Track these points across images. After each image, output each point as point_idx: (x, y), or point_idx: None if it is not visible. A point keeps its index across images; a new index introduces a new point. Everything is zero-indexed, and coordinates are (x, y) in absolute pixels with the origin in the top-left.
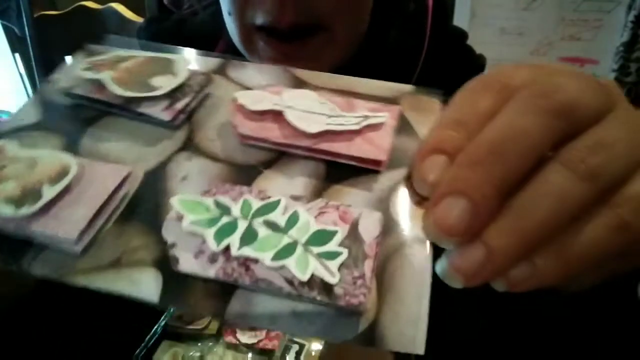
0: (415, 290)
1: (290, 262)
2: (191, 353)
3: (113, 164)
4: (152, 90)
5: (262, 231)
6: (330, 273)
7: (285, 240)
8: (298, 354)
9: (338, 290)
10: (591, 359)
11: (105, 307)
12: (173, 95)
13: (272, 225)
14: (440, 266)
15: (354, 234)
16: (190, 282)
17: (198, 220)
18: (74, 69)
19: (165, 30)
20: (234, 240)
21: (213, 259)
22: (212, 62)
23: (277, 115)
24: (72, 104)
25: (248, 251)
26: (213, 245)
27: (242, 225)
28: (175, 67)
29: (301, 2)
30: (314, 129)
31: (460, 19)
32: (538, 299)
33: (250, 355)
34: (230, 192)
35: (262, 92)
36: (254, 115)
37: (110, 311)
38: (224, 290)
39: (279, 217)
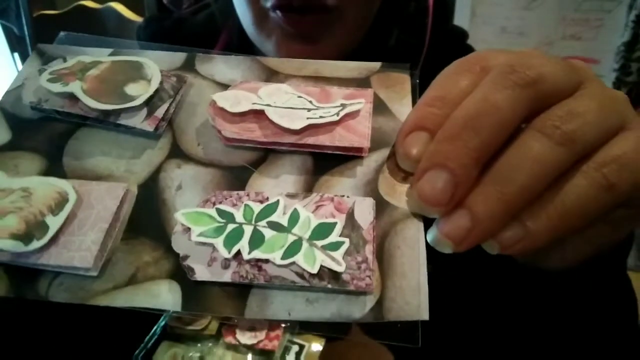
0: (413, 263)
1: (299, 258)
2: (191, 354)
3: (108, 183)
4: (129, 100)
5: (268, 233)
6: (336, 262)
7: (291, 238)
8: (298, 354)
9: (345, 277)
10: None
11: (105, 307)
12: (150, 102)
13: (275, 226)
14: (431, 235)
15: (351, 223)
16: (207, 288)
17: (205, 231)
18: (36, 78)
19: (165, 29)
20: (243, 245)
21: (226, 265)
22: (179, 57)
23: (258, 115)
24: (41, 117)
25: (258, 254)
26: (225, 253)
27: (248, 230)
28: (146, 71)
29: None
30: (297, 125)
31: (460, 19)
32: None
33: (250, 355)
34: (229, 198)
35: (239, 92)
36: (234, 117)
37: (110, 311)
38: (239, 291)
39: (280, 217)
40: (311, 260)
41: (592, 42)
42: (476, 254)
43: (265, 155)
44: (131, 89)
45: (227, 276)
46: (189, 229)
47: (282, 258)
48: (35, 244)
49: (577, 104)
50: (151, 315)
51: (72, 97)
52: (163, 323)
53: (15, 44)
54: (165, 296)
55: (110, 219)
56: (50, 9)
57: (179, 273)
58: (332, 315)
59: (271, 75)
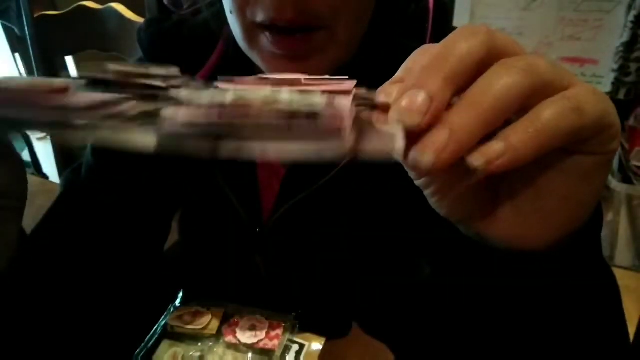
0: (390, 132)
1: (282, 98)
2: (191, 353)
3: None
4: (148, 74)
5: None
6: (315, 104)
7: (277, 96)
8: (298, 353)
9: (323, 114)
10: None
11: (105, 307)
12: (166, 77)
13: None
14: (412, 154)
15: (330, 104)
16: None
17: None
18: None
19: (165, 31)
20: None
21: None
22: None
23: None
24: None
25: (239, 95)
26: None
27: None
28: (151, 70)
29: (301, 1)
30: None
31: (460, 19)
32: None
33: (250, 354)
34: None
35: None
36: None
37: (110, 312)
38: (216, 136)
39: (284, 96)
40: (292, 102)
41: (591, 43)
42: (469, 256)
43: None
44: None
45: (204, 117)
46: None
47: (266, 97)
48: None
49: (528, 57)
50: (152, 315)
51: (106, 72)
52: (164, 322)
53: (17, 45)
54: (141, 137)
55: (96, 101)
56: (51, 9)
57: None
58: (308, 152)
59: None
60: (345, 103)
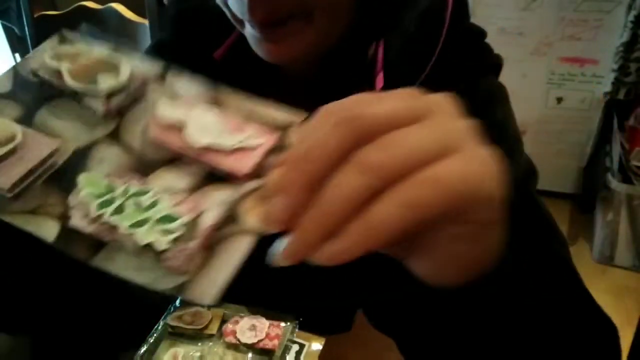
0: (229, 266)
1: (138, 232)
2: (191, 353)
3: (49, 137)
4: (93, 85)
5: (130, 208)
6: (163, 243)
7: (142, 216)
8: (298, 353)
9: (166, 255)
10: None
11: (105, 307)
12: (110, 93)
13: (138, 205)
14: (271, 251)
15: (194, 221)
16: (76, 234)
17: (90, 193)
18: (44, 53)
19: (190, 9)
20: (108, 211)
21: (93, 221)
22: (157, 66)
23: (178, 128)
24: (37, 82)
25: (115, 219)
26: (94, 212)
27: (117, 202)
28: (121, 69)
29: (269, 3)
30: (198, 142)
31: None
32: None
33: (250, 355)
34: (123, 178)
35: (177, 104)
36: (164, 124)
37: (110, 312)
38: (97, 244)
39: (145, 200)
40: (146, 236)
41: (591, 43)
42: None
43: (178, 158)
44: (102, 78)
45: (90, 229)
46: (83, 189)
47: (128, 228)
48: None
49: (395, 137)
50: (152, 315)
51: (59, 73)
52: (164, 322)
53: (17, 45)
54: (46, 229)
55: (37, 162)
56: (51, 9)
57: (65, 218)
58: (150, 282)
59: (214, 102)
60: (204, 229)
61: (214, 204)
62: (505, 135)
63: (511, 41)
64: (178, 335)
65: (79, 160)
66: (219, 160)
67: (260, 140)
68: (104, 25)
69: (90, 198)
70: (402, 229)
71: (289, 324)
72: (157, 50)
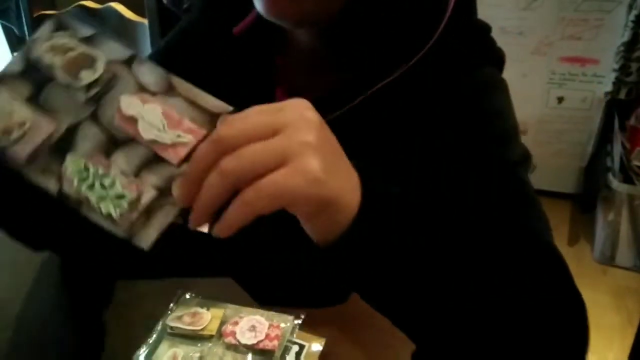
0: (160, 225)
1: (102, 205)
2: (191, 354)
3: (49, 119)
4: (78, 81)
5: (97, 186)
6: (117, 213)
7: (105, 193)
8: (298, 354)
9: (118, 220)
10: None
11: (104, 308)
12: (89, 86)
13: (102, 185)
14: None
15: (137, 198)
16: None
17: (73, 170)
18: (42, 43)
19: None
20: (83, 185)
21: (76, 192)
22: (126, 53)
23: (134, 120)
24: (39, 67)
25: (88, 194)
26: (75, 185)
27: (90, 181)
28: (96, 64)
29: None
30: (146, 136)
31: None
32: None
33: (250, 355)
34: (95, 159)
35: (135, 101)
36: (125, 116)
37: (110, 311)
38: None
39: (107, 182)
40: (107, 208)
41: (592, 42)
42: None
43: (131, 140)
44: (83, 73)
45: (74, 195)
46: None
47: (95, 201)
48: (5, 142)
49: (248, 149)
50: (152, 315)
51: (53, 68)
52: (163, 322)
53: (16, 44)
54: (51, 185)
55: (41, 141)
56: (50, 9)
57: (61, 181)
58: (112, 230)
59: (170, 90)
60: (146, 200)
61: (151, 186)
62: (502, 123)
63: (512, 41)
64: (177, 336)
65: (70, 135)
66: (161, 150)
67: (191, 136)
68: (104, 25)
69: (73, 175)
70: (245, 218)
71: (288, 324)
72: (186, 29)
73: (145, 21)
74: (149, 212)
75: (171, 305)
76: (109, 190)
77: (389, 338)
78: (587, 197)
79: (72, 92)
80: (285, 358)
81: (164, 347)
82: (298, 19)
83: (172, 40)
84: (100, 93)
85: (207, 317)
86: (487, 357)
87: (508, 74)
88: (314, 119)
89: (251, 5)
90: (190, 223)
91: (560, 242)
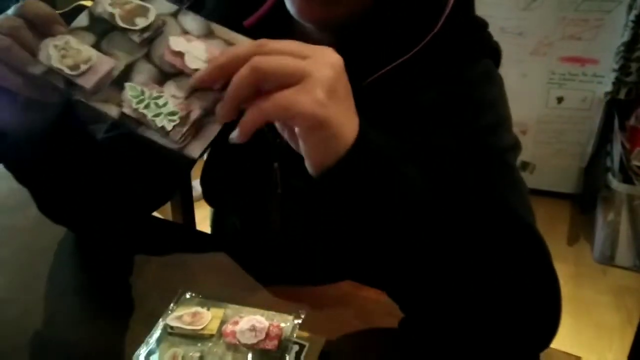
0: (207, 138)
1: (157, 119)
2: (191, 354)
3: (110, 58)
4: (134, 26)
5: (152, 105)
6: (169, 126)
7: (159, 111)
8: (298, 354)
9: (171, 133)
10: None
11: (104, 308)
12: (142, 30)
13: (156, 105)
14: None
15: (187, 115)
16: (128, 117)
17: (131, 95)
18: (104, 1)
19: None
20: (140, 106)
21: (134, 111)
22: (173, 7)
23: (181, 54)
24: (102, 20)
25: (144, 111)
26: (134, 105)
27: (146, 102)
28: (149, 13)
29: None
30: (192, 66)
31: None
32: None
33: (250, 355)
34: (149, 86)
35: (182, 40)
36: (173, 51)
37: (108, 312)
38: (139, 123)
39: (160, 102)
40: (161, 122)
41: (592, 42)
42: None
43: (181, 73)
44: (138, 20)
45: (133, 114)
46: (127, 90)
47: (151, 117)
48: (76, 72)
49: (278, 57)
50: (152, 314)
51: (113, 17)
52: (163, 322)
53: None
54: (112, 111)
55: (104, 73)
56: None
57: (121, 106)
58: (165, 143)
59: (210, 34)
60: (194, 116)
61: (198, 107)
62: (495, 112)
63: (511, 41)
64: (178, 335)
65: (127, 71)
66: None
67: None
68: None
69: (131, 98)
70: (256, 123)
71: (289, 324)
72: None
73: None
74: (197, 127)
75: (171, 305)
76: (162, 109)
77: (389, 338)
78: (587, 197)
79: (128, 36)
80: (285, 358)
81: (164, 346)
82: (328, 22)
83: None
84: (152, 37)
85: (208, 317)
86: (464, 321)
87: (508, 74)
88: (338, 62)
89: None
90: (218, 116)
91: (560, 242)
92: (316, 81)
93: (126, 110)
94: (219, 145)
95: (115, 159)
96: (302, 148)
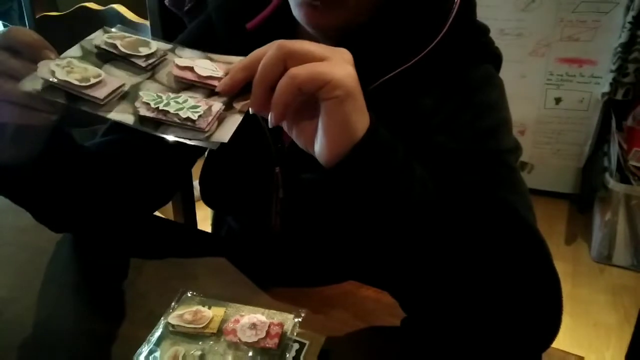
0: (230, 127)
1: (180, 112)
2: (192, 352)
3: (118, 79)
4: (138, 52)
5: (172, 103)
6: (195, 116)
7: (180, 106)
8: (298, 352)
9: (197, 122)
10: None
11: (105, 307)
12: (147, 56)
13: (177, 102)
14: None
15: (209, 108)
16: (146, 119)
17: (148, 98)
18: (100, 37)
19: None
20: (160, 105)
21: (152, 111)
22: (169, 45)
23: (190, 68)
24: (99, 51)
25: (165, 108)
26: (152, 106)
27: (165, 101)
28: (150, 45)
29: None
30: (203, 73)
31: None
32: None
33: (250, 353)
34: (163, 93)
35: (187, 59)
36: (181, 67)
37: (109, 311)
38: (157, 124)
39: (180, 100)
40: (185, 113)
41: (590, 43)
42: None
43: (191, 86)
44: (141, 49)
45: (152, 115)
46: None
47: (174, 110)
48: (86, 83)
49: (306, 52)
50: (152, 314)
51: (115, 46)
52: (164, 322)
53: None
54: (127, 118)
55: (114, 88)
56: (52, 10)
57: (136, 113)
58: (190, 137)
59: (208, 59)
60: (216, 109)
61: (217, 102)
62: (495, 115)
63: (510, 42)
64: (179, 334)
65: (135, 90)
66: (217, 83)
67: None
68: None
69: (149, 101)
70: (294, 91)
71: (289, 322)
72: (203, 21)
73: (147, 23)
74: (220, 119)
75: (173, 303)
76: (184, 104)
77: (389, 338)
78: (585, 197)
79: (132, 62)
80: (285, 356)
81: (165, 345)
82: (333, 28)
83: (191, 32)
84: (156, 63)
85: (209, 316)
86: (465, 320)
87: (506, 75)
88: (352, 61)
89: (266, 2)
90: (272, 121)
91: (558, 241)
92: (343, 60)
93: (145, 113)
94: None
95: (113, 162)
96: (321, 130)
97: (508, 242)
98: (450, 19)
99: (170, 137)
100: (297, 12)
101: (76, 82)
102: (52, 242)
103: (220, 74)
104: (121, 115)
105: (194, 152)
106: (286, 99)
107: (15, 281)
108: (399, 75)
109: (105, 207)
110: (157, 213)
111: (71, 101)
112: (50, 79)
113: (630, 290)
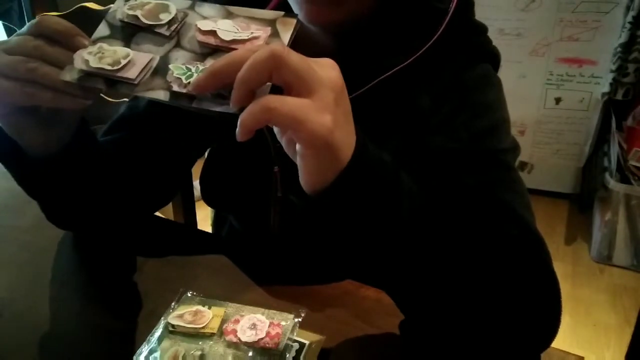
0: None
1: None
2: (192, 352)
3: (146, 54)
4: (159, 21)
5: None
6: (225, 91)
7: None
8: (298, 352)
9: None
10: None
11: (106, 307)
12: (169, 22)
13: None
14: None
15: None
16: (180, 95)
17: (178, 72)
18: (122, 7)
19: None
20: (192, 77)
21: (184, 86)
22: (187, 2)
23: (213, 32)
24: (123, 25)
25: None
26: (184, 81)
27: (195, 74)
28: (170, 8)
29: None
30: (227, 37)
31: None
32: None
33: (250, 353)
34: (192, 64)
35: (209, 21)
36: (204, 31)
37: (110, 311)
38: (191, 98)
39: (194, 69)
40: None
41: (590, 44)
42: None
43: (215, 51)
44: (162, 15)
45: (184, 90)
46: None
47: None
48: (117, 67)
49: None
50: (152, 314)
51: (137, 17)
52: (164, 321)
53: None
54: (160, 95)
55: (144, 64)
56: (52, 10)
57: (169, 89)
58: (220, 109)
59: (228, 15)
60: None
61: None
62: (493, 114)
63: (510, 42)
64: (179, 334)
65: (164, 62)
66: (241, 45)
67: (261, 32)
68: None
69: (179, 75)
70: (259, 119)
71: (289, 322)
72: None
73: None
74: None
75: (173, 303)
76: None
77: (388, 337)
78: (585, 197)
79: (156, 32)
80: (285, 356)
81: (165, 345)
82: (333, 25)
83: None
84: (178, 28)
85: (209, 316)
86: (464, 322)
87: (506, 75)
88: (339, 77)
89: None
90: (237, 136)
91: (558, 241)
92: (327, 99)
93: (177, 89)
94: (219, 145)
95: (115, 161)
96: (299, 164)
97: (505, 242)
98: (447, 18)
99: (205, 110)
100: (298, 9)
101: (109, 67)
102: (52, 242)
103: (243, 35)
104: (156, 93)
105: (194, 152)
106: (251, 124)
107: (16, 281)
108: (396, 74)
109: (107, 207)
110: (157, 213)
111: (109, 86)
112: (85, 68)
113: (630, 291)
